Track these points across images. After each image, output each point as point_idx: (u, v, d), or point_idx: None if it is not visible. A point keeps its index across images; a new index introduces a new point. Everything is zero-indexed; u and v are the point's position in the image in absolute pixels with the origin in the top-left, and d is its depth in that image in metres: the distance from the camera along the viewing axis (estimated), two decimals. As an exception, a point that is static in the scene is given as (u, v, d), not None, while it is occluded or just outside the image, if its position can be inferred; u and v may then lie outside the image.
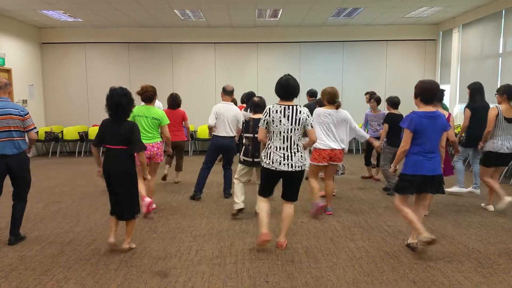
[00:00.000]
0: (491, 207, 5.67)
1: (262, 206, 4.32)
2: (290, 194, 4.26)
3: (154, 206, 5.60)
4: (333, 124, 5.35)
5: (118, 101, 4.02)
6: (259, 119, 4.51)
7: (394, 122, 6.26)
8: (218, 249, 4.30)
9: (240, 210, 5.37)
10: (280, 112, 4.02)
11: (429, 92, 4.01)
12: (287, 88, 4.06)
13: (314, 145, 5.07)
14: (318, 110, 5.42)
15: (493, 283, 3.51)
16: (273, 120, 4.04)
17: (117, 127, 4.08)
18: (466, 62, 10.63)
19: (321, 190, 5.91)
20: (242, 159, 5.40)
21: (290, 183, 4.21)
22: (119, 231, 4.38)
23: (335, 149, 5.34)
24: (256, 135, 4.86)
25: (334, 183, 5.81)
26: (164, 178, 7.57)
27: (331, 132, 5.35)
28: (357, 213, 5.60)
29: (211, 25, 11.63)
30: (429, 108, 4.02)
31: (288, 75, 4.15)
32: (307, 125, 4.08)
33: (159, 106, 7.88)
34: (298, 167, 4.08)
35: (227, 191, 6.56)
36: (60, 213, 5.68)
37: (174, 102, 7.37)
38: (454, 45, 11.07)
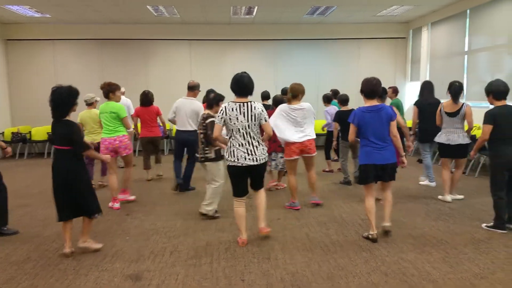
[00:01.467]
0: (447, 197, 5.93)
1: (236, 211, 4.38)
2: (258, 184, 4.47)
3: (116, 206, 5.72)
4: (300, 117, 5.52)
5: (54, 99, 3.98)
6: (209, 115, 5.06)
7: (343, 119, 6.60)
8: (194, 249, 4.28)
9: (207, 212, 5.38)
10: (236, 109, 4.17)
11: (369, 88, 4.38)
12: (240, 84, 4.22)
13: (282, 140, 5.49)
14: (282, 106, 5.62)
15: (459, 272, 3.64)
16: (230, 118, 4.17)
17: (58, 126, 4.03)
18: (434, 59, 10.91)
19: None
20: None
21: (257, 175, 4.40)
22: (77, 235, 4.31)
23: (304, 141, 5.47)
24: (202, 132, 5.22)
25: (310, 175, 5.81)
26: (149, 180, 7.78)
27: (299, 125, 5.51)
28: (332, 208, 5.68)
29: (186, 21, 11.53)
30: (373, 103, 4.39)
31: (244, 72, 4.31)
32: (261, 119, 4.23)
33: (126, 103, 7.95)
34: (263, 159, 4.28)
35: (185, 185, 6.72)
36: (27, 217, 5.52)
37: (145, 99, 7.61)
38: (423, 43, 11.34)
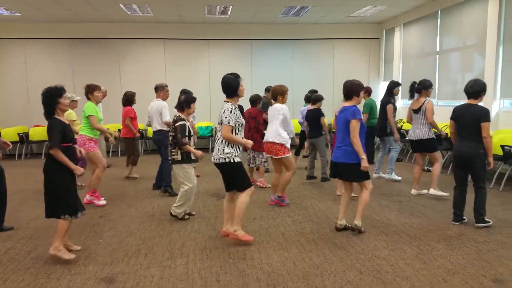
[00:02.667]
0: (412, 191, 6.34)
1: (224, 205, 4.57)
2: (228, 184, 4.44)
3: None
4: (270, 118, 5.80)
5: (41, 99, 4.01)
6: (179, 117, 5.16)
7: (309, 118, 7.23)
8: (169, 250, 4.23)
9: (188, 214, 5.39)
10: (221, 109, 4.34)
11: (344, 90, 4.64)
12: (222, 85, 4.32)
13: None
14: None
15: (432, 268, 3.71)
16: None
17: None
18: (407, 59, 11.13)
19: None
20: None
21: (223, 175, 4.43)
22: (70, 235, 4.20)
23: (267, 142, 5.70)
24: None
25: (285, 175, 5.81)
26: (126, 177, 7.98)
27: (269, 126, 5.78)
28: (307, 207, 5.72)
29: (160, 20, 11.40)
30: (347, 103, 4.59)
31: (230, 73, 4.33)
32: (221, 120, 4.21)
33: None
34: (216, 159, 4.25)
35: (156, 184, 6.87)
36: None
37: (122, 99, 8.00)
38: (396, 43, 11.56)
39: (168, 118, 6.42)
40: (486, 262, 3.80)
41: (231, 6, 9.82)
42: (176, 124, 5.11)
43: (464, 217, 4.92)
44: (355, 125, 4.39)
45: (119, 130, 9.22)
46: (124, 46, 11.81)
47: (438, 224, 4.90)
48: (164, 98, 6.77)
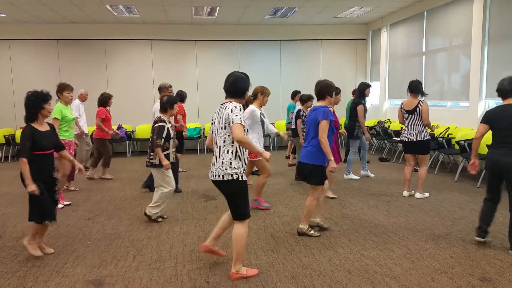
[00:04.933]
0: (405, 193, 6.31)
1: (223, 217, 3.83)
2: (230, 209, 3.57)
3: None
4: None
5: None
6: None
7: (295, 117, 7.25)
8: (158, 253, 4.20)
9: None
10: (216, 112, 3.53)
11: (315, 90, 4.59)
12: (228, 81, 3.49)
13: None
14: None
15: (420, 267, 3.74)
16: (212, 122, 3.60)
17: None
18: (394, 60, 11.24)
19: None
20: None
21: (224, 194, 3.55)
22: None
23: None
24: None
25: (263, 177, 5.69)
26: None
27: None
28: (296, 208, 5.73)
29: (147, 21, 11.33)
30: (319, 103, 4.55)
31: (241, 72, 3.58)
32: (229, 122, 3.32)
33: (74, 104, 7.80)
34: (218, 176, 3.37)
35: (146, 182, 6.79)
36: (-17, 224, 5.26)
37: (98, 99, 7.80)
38: (382, 44, 11.67)
39: None
40: (474, 261, 3.85)
41: (218, 7, 9.80)
42: (156, 125, 5.01)
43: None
44: (324, 126, 4.27)
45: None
46: (111, 47, 11.70)
47: (426, 224, 4.95)
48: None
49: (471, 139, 7.35)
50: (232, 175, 3.35)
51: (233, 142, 3.37)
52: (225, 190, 3.46)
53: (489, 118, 4.13)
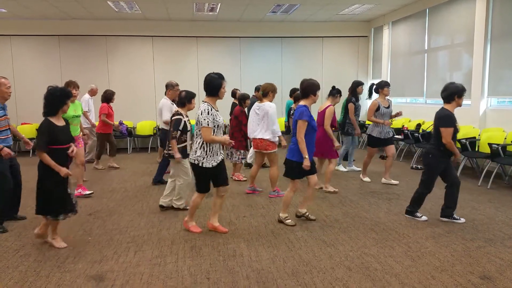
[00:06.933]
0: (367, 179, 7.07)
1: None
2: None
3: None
4: (261, 115, 5.97)
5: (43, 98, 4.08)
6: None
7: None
8: (158, 248, 4.21)
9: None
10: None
11: (300, 89, 4.77)
12: (204, 82, 4.31)
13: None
14: (255, 104, 6.19)
15: (420, 265, 3.75)
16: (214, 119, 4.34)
17: None
18: (395, 57, 11.21)
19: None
20: None
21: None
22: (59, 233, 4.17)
23: (255, 138, 6.00)
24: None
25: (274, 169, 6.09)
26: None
27: (258, 122, 5.98)
28: (296, 205, 5.72)
29: (148, 17, 11.31)
30: (302, 102, 4.70)
31: (215, 73, 4.32)
32: (199, 122, 4.24)
33: (85, 98, 8.48)
34: (190, 158, 4.38)
35: (155, 178, 7.07)
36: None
37: (102, 96, 8.25)
38: (384, 41, 11.64)
39: (166, 118, 6.52)
40: (474, 259, 3.85)
41: (219, 4, 9.78)
42: (172, 118, 5.31)
43: None
44: (301, 125, 4.54)
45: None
46: (112, 43, 11.69)
47: (426, 222, 4.95)
48: (172, 97, 6.77)
49: (473, 138, 7.39)
50: (194, 160, 4.29)
51: (201, 137, 4.26)
52: (192, 169, 4.46)
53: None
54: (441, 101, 5.02)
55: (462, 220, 4.89)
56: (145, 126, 11.58)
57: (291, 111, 7.33)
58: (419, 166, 8.14)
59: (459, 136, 7.69)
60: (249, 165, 8.06)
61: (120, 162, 9.41)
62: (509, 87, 7.43)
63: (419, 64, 10.04)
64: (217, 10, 10.46)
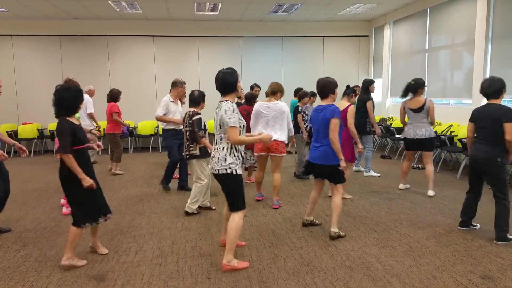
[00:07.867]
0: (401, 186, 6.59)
1: (224, 211, 4.11)
2: (227, 201, 3.80)
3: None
4: (271, 115, 5.53)
5: (56, 97, 3.68)
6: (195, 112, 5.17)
7: (293, 114, 7.30)
8: (159, 248, 4.21)
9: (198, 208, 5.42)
10: (216, 110, 3.74)
11: (317, 89, 4.49)
12: (218, 81, 3.68)
13: None
14: (257, 104, 5.75)
15: (421, 265, 3.74)
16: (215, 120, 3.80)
17: None
18: (396, 57, 11.21)
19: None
20: None
21: (222, 188, 3.80)
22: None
23: (274, 140, 5.48)
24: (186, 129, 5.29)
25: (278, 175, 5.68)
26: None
27: (268, 123, 5.54)
28: (298, 205, 5.73)
29: (149, 17, 11.31)
30: (324, 102, 4.44)
31: (226, 68, 3.74)
32: (223, 123, 3.56)
33: (88, 100, 8.35)
34: (215, 170, 3.62)
35: (180, 183, 6.74)
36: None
37: (108, 95, 8.03)
38: (385, 41, 11.63)
39: (157, 113, 6.28)
40: (475, 259, 3.85)
41: (220, 3, 9.78)
42: (193, 119, 5.20)
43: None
44: (335, 125, 4.23)
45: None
46: (113, 43, 11.70)
47: (427, 221, 4.95)
48: (178, 96, 6.54)
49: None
50: (226, 169, 3.59)
51: (227, 140, 3.61)
52: (221, 182, 3.70)
53: (473, 117, 4.50)
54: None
55: (478, 226, 4.70)
56: (146, 126, 11.59)
57: (300, 108, 7.19)
58: (420, 166, 8.14)
59: (460, 135, 7.69)
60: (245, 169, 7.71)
61: (121, 162, 9.40)
62: (510, 87, 7.40)
63: (420, 64, 10.03)
64: (218, 10, 10.46)
